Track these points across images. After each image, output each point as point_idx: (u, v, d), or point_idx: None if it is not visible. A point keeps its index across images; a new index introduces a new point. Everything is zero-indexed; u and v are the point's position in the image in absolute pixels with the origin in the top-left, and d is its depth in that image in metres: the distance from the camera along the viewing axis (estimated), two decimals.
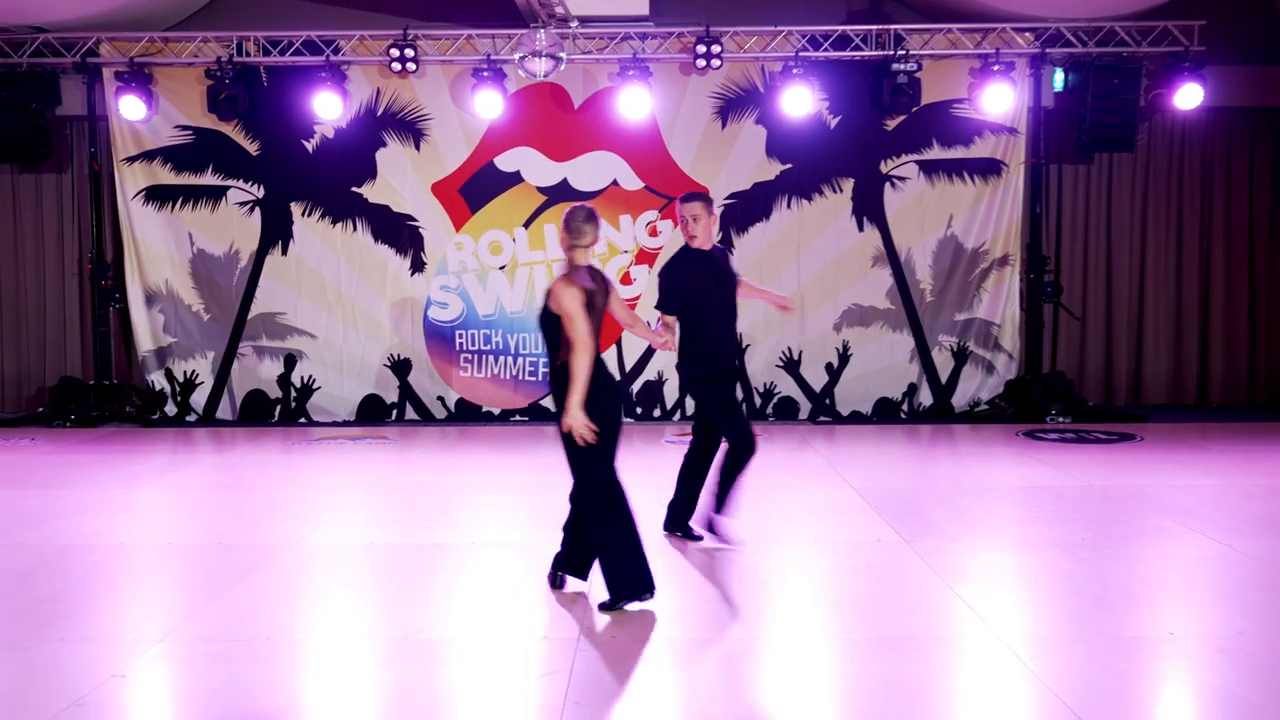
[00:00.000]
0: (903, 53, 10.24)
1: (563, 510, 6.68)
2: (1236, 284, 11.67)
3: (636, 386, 10.82)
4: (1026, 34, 10.44)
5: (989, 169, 10.71)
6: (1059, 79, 10.64)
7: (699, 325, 5.79)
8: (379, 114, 10.69)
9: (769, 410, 10.81)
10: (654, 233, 10.74)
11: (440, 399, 10.85)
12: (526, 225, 10.74)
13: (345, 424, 10.72)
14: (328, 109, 10.29)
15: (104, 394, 10.82)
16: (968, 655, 4.14)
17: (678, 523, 5.98)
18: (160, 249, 10.83)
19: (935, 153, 10.70)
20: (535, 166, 10.71)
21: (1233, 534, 5.91)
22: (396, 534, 6.19)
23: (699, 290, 5.76)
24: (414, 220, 10.78)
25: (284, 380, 10.88)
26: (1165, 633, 4.36)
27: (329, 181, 10.75)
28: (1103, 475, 7.74)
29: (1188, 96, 10.22)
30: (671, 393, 10.80)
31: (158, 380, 10.88)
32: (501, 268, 10.78)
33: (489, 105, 10.24)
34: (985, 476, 7.85)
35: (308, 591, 5.14)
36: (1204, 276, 11.67)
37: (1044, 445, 9.14)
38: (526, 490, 7.42)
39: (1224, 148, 11.61)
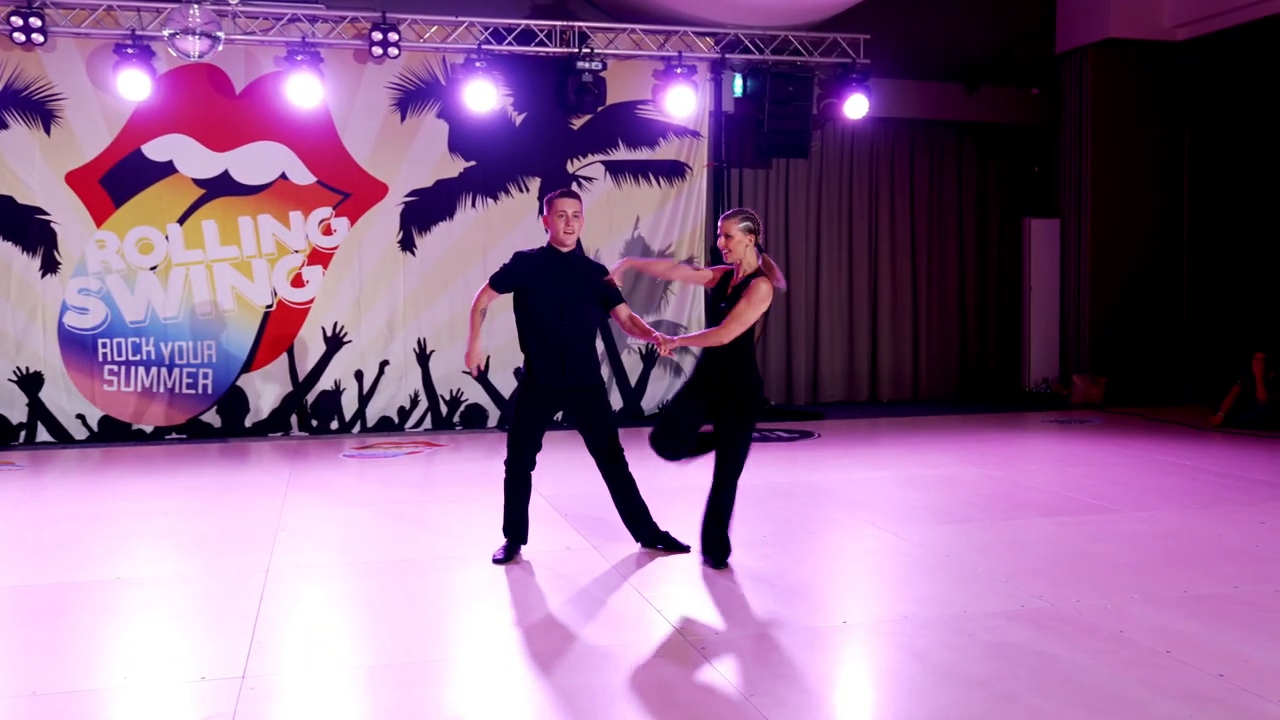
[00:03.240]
0: (587, 50, 10.51)
1: (216, 537, 6.35)
2: (900, 286, 12.91)
3: (312, 397, 10.44)
4: (707, 39, 11.01)
5: (673, 171, 11.20)
6: (738, 84, 11.32)
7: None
8: None
9: (456, 419, 10.76)
10: (328, 231, 10.41)
11: (80, 417, 9.98)
12: (181, 221, 10.09)
13: None
14: None
15: None
16: (658, 659, 4.29)
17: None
18: None
19: (621, 154, 11.07)
20: (191, 156, 10.08)
21: (900, 523, 6.51)
22: (26, 574, 5.63)
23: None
24: (44, 214, 9.85)
25: None
26: (840, 621, 4.72)
27: None
28: (784, 472, 8.30)
29: (855, 106, 11.16)
30: (350, 403, 10.51)
31: None
32: (153, 268, 10.07)
33: (134, 86, 9.54)
34: (670, 479, 8.15)
35: None
36: (872, 280, 12.82)
37: None
38: (181, 517, 6.97)
39: (888, 156, 12.80)
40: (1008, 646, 4.32)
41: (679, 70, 10.71)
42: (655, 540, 5.85)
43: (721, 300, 5.55)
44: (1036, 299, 13.03)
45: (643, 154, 11.15)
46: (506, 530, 5.73)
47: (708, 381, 5.54)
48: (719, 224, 5.58)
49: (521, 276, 5.62)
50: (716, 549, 5.55)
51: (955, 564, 5.60)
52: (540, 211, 10.70)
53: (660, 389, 11.27)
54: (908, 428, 10.84)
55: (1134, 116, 12.53)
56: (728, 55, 11.09)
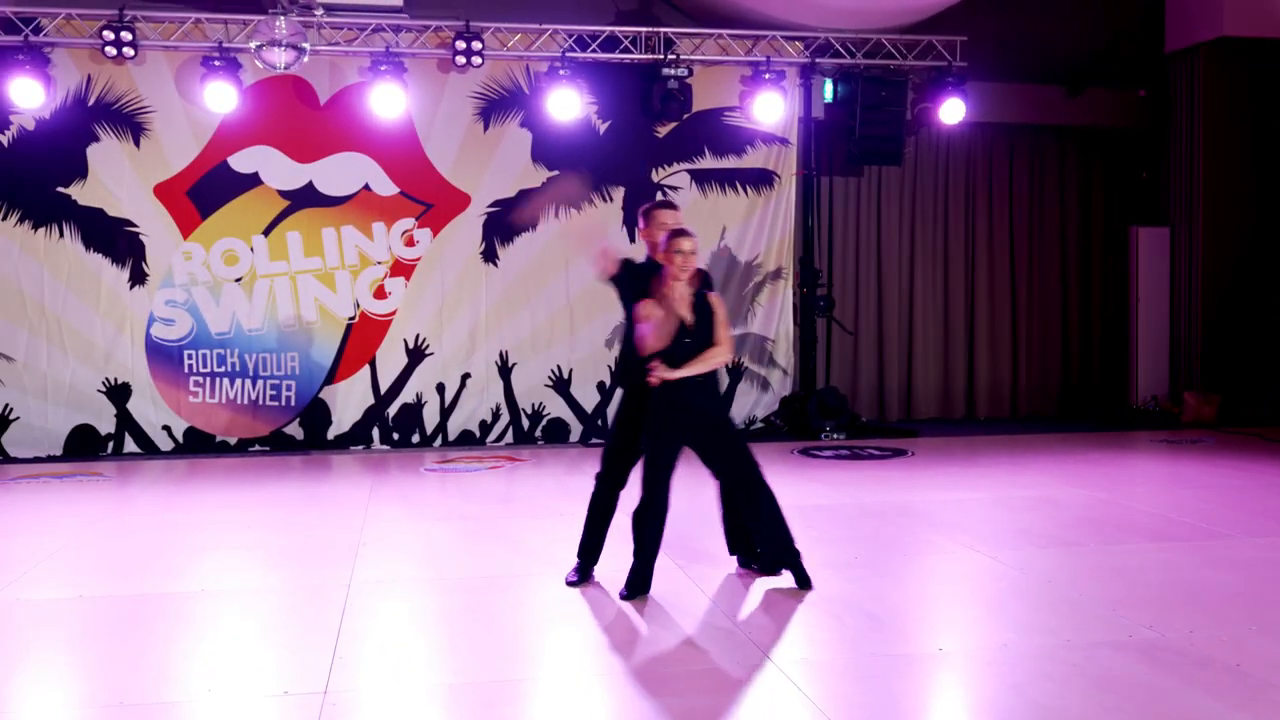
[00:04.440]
0: (673, 57, 10.55)
1: (299, 550, 6.48)
2: (999, 298, 12.69)
3: (394, 410, 10.61)
4: (796, 43, 10.98)
5: (761, 180, 11.17)
6: (828, 90, 11.25)
7: None
8: (90, 104, 10.06)
9: (538, 433, 10.85)
10: (410, 242, 10.59)
11: (166, 428, 10.28)
12: (266, 233, 10.36)
13: (50, 459, 9.98)
14: (27, 97, 9.61)
15: None
16: (745, 684, 4.27)
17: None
18: None
19: (707, 162, 11.08)
20: (276, 167, 10.35)
21: (998, 546, 6.39)
22: (112, 584, 5.81)
23: None
24: (133, 226, 10.19)
25: None
26: (935, 649, 4.65)
27: (29, 180, 10.02)
28: (876, 492, 8.20)
29: (951, 111, 11.02)
30: (432, 416, 10.66)
31: None
32: (238, 280, 10.35)
33: (221, 98, 9.83)
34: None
35: (5, 656, 4.73)
36: (969, 290, 12.62)
37: (819, 463, 9.59)
38: (264, 529, 7.14)
39: (986, 163, 12.61)
40: (1114, 679, 4.21)
41: (767, 76, 10.69)
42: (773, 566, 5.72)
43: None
44: (1144, 312, 12.70)
45: (729, 162, 11.14)
46: (584, 550, 5.71)
47: (687, 407, 5.31)
48: (676, 241, 5.29)
49: (631, 289, 5.54)
50: (792, 554, 5.53)
51: (1057, 590, 5.48)
52: (633, 223, 10.77)
53: (748, 404, 11.22)
54: (1006, 446, 10.63)
55: (1249, 118, 12.16)
56: (817, 60, 11.04)
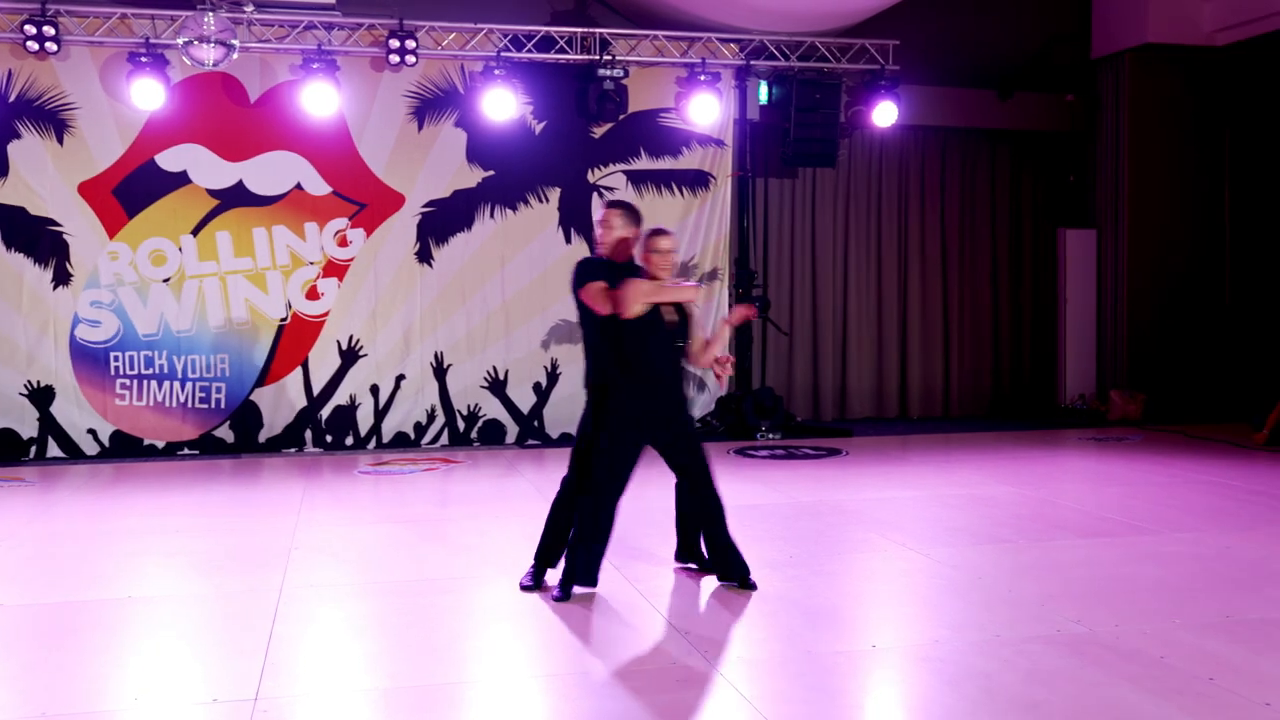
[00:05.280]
0: (609, 58, 10.55)
1: (229, 555, 6.38)
2: (931, 299, 12.87)
3: (327, 412, 10.48)
4: (732, 45, 11.04)
5: (697, 181, 11.21)
6: (763, 92, 11.33)
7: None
8: (11, 100, 9.81)
9: (473, 435, 10.78)
10: (344, 242, 10.47)
11: (91, 432, 10.05)
12: (195, 232, 10.17)
13: None
14: None
15: None
16: (680, 684, 4.28)
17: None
18: None
19: (643, 163, 11.09)
20: (205, 166, 10.17)
21: (931, 544, 6.47)
22: (34, 593, 5.67)
23: None
24: (57, 225, 9.95)
25: None
26: (869, 646, 4.70)
27: None
28: (810, 491, 8.27)
29: (884, 114, 11.15)
30: (366, 418, 10.54)
31: None
32: (166, 280, 10.15)
33: (148, 95, 9.64)
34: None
35: None
36: (902, 291, 12.78)
37: (755, 463, 9.64)
38: (193, 535, 7.01)
39: (918, 165, 12.78)
40: (1044, 672, 4.29)
41: (703, 77, 10.74)
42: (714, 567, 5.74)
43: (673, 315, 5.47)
44: (1072, 312, 12.96)
45: (665, 163, 11.16)
46: (542, 553, 5.61)
47: (665, 400, 5.47)
48: (655, 240, 5.37)
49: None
50: (741, 564, 5.54)
51: (988, 587, 5.56)
52: (569, 224, 10.75)
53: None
54: (939, 445, 10.78)
55: (1173, 123, 12.47)
56: (753, 62, 11.11)
